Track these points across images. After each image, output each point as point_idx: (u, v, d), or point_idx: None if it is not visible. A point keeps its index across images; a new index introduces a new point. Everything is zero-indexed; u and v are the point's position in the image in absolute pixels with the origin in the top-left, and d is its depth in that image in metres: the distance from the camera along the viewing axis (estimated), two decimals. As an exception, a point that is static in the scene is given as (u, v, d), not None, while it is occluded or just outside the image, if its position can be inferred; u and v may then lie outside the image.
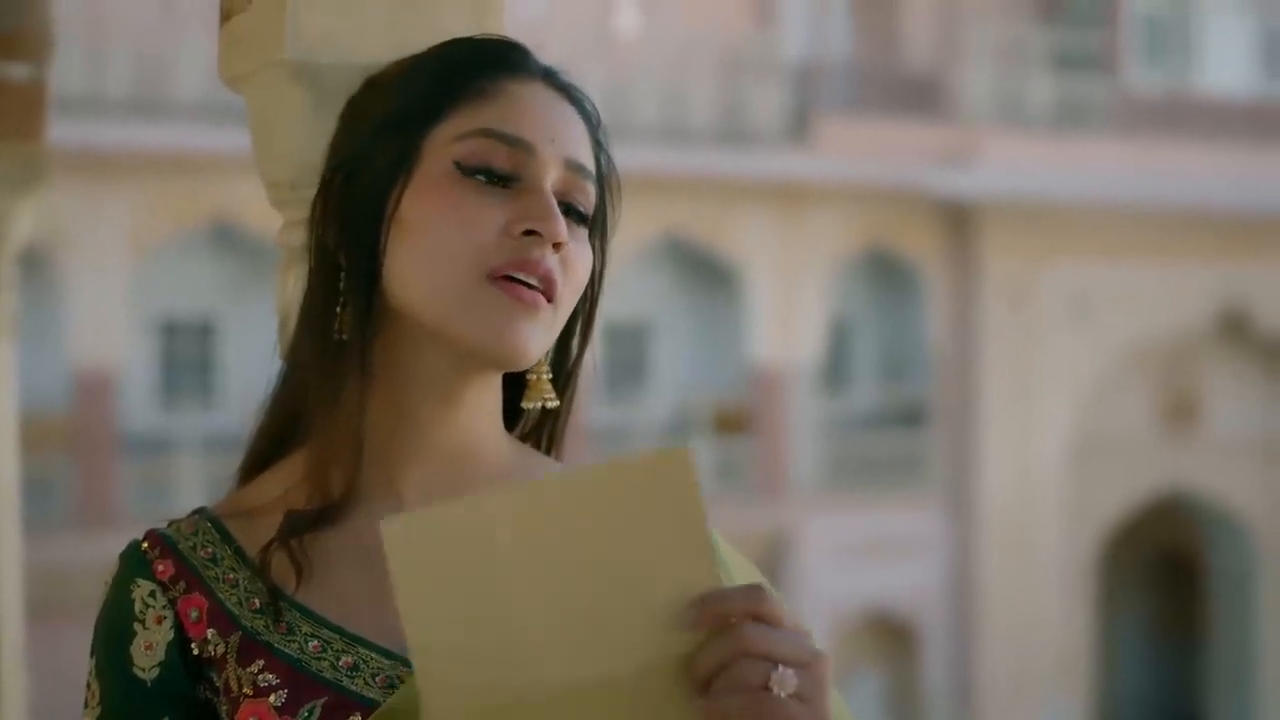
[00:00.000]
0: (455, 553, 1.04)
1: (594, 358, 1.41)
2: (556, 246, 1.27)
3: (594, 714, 1.06)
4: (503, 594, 1.04)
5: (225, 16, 1.68)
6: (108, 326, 16.06)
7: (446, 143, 1.28)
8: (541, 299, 1.26)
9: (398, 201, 1.28)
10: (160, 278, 16.85)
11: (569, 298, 1.30)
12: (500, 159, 1.27)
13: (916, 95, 19.80)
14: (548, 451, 1.41)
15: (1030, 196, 18.65)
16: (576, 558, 1.05)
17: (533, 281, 1.26)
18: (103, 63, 15.87)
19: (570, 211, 1.29)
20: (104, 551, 1.35)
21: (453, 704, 1.04)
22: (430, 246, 1.26)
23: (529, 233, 1.26)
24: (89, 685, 1.29)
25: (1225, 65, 20.94)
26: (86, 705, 1.29)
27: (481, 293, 1.25)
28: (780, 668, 1.06)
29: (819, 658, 1.08)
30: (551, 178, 1.28)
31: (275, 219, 1.65)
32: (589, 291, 1.35)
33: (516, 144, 1.27)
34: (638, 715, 1.07)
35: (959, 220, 19.00)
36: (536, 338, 1.28)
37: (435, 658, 1.04)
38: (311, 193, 1.35)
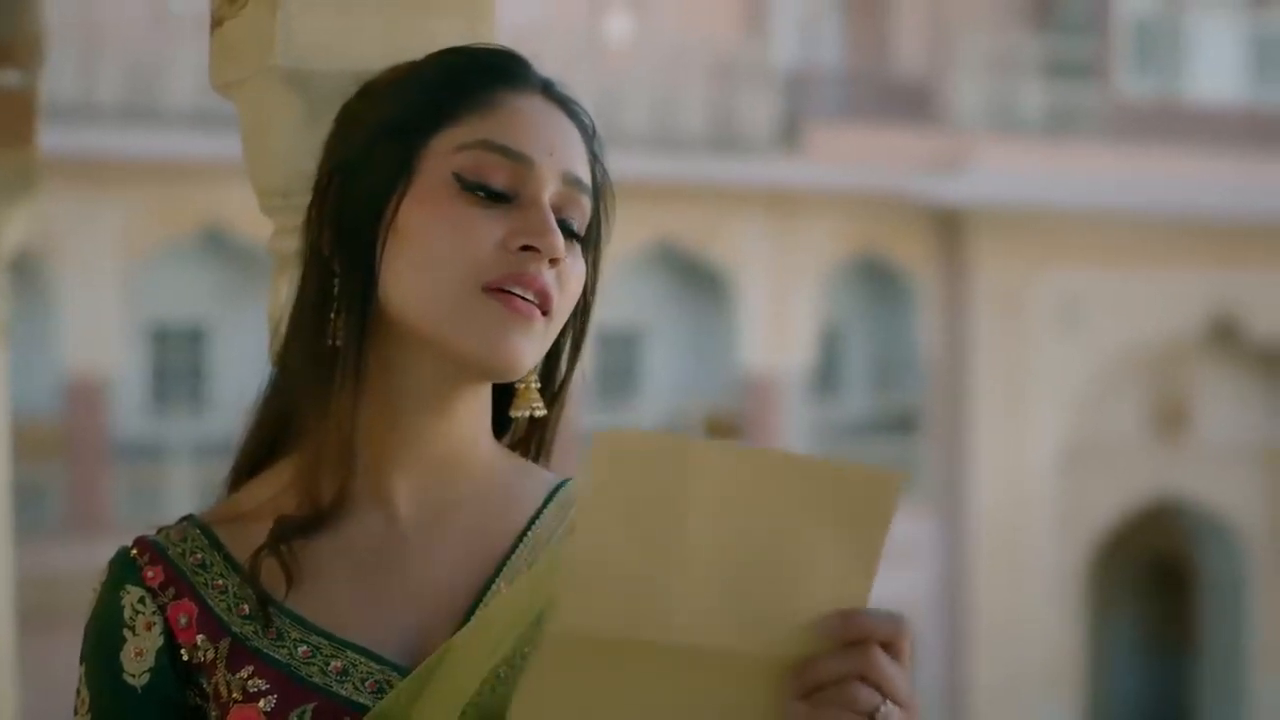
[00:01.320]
0: (651, 481, 1.05)
1: (584, 368, 1.41)
2: (553, 262, 1.27)
3: (700, 681, 1.08)
4: (676, 536, 1.06)
5: (216, 23, 1.68)
6: (99, 333, 16.04)
7: (446, 153, 1.28)
8: (537, 312, 1.27)
9: (395, 209, 1.28)
10: (152, 284, 16.82)
11: (563, 312, 1.30)
12: (500, 172, 1.27)
13: (908, 102, 19.81)
14: (536, 459, 1.42)
15: (1022, 203, 18.66)
16: (753, 531, 1.06)
17: (529, 296, 1.26)
18: (94, 69, 15.85)
19: (565, 226, 1.29)
20: (96, 558, 1.35)
21: (581, 622, 1.05)
22: (428, 257, 1.26)
23: (526, 248, 1.26)
24: (79, 692, 1.29)
25: (1216, 72, 20.96)
26: (76, 712, 1.29)
27: (477, 303, 1.25)
28: (888, 702, 1.08)
29: (917, 705, 1.11)
30: (549, 192, 1.29)
31: (267, 225, 1.65)
32: (581, 304, 1.35)
33: (516, 158, 1.28)
34: (739, 696, 1.09)
35: (950, 227, 19.00)
36: (530, 350, 1.28)
37: (586, 573, 1.05)
38: (303, 200, 1.35)
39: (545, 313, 1.28)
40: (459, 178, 1.27)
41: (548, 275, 1.27)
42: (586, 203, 1.32)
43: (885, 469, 1.08)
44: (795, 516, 1.07)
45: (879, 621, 1.08)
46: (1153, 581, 22.07)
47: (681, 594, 1.06)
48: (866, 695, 1.08)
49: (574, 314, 1.34)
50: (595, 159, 1.34)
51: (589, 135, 1.34)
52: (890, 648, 1.09)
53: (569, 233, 1.30)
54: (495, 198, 1.27)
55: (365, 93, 1.35)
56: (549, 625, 1.06)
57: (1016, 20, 20.52)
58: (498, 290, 1.26)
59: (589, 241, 1.33)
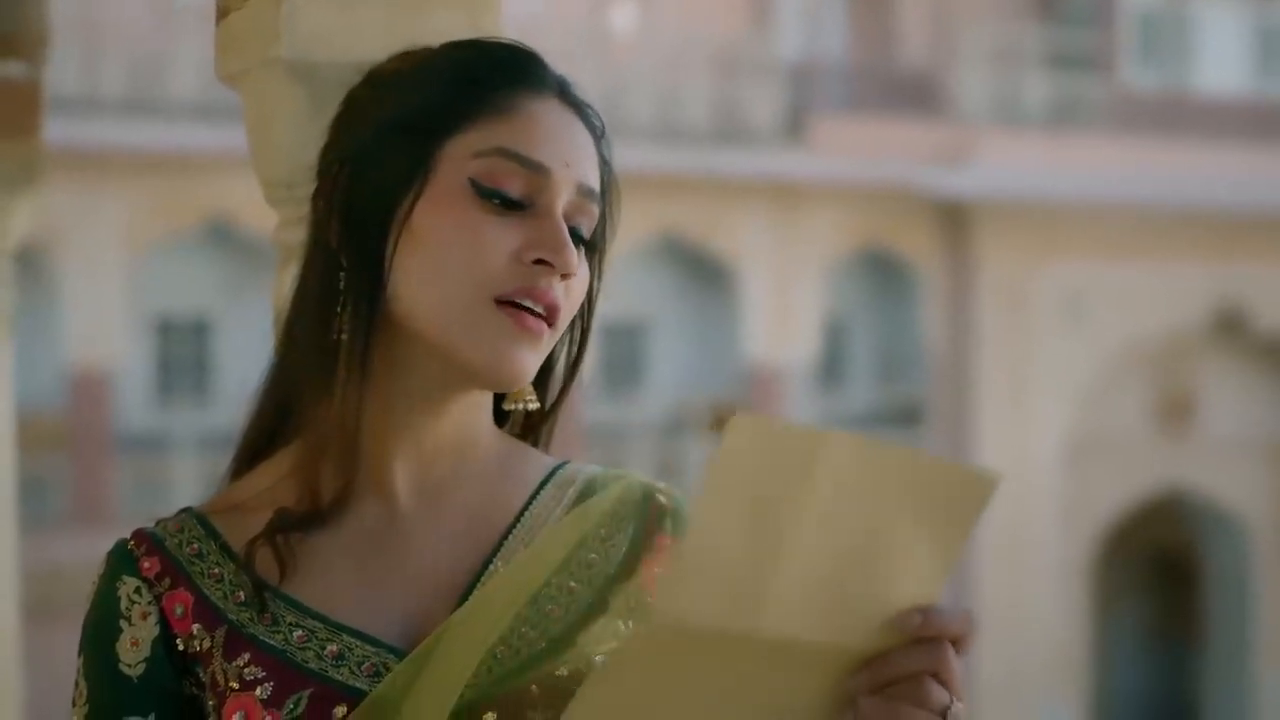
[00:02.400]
0: (777, 471, 1.04)
1: (585, 366, 1.41)
2: (564, 276, 1.27)
3: (774, 673, 1.08)
4: (788, 528, 1.05)
5: (221, 14, 1.68)
6: (103, 325, 16.04)
7: (463, 158, 1.27)
8: (544, 326, 1.27)
9: (409, 210, 1.27)
10: (156, 276, 16.83)
11: (567, 319, 1.31)
12: (516, 182, 1.27)
13: (912, 95, 19.80)
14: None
15: (1026, 196, 18.64)
16: (856, 525, 1.06)
17: (539, 310, 1.26)
18: (98, 61, 15.85)
19: (574, 233, 1.29)
20: (99, 550, 1.36)
21: (678, 610, 1.04)
22: (440, 263, 1.26)
23: (540, 261, 1.26)
24: (77, 684, 1.29)
25: (1221, 64, 20.94)
26: (75, 704, 1.29)
27: (487, 315, 1.25)
28: (956, 701, 1.10)
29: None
30: (562, 202, 1.28)
31: (271, 217, 1.65)
32: (584, 307, 1.35)
33: (533, 167, 1.27)
34: (809, 688, 1.09)
35: (955, 220, 18.99)
36: (535, 362, 1.29)
37: (694, 560, 1.04)
38: (308, 191, 1.34)
39: (551, 325, 1.28)
40: (475, 184, 1.26)
41: (558, 289, 1.27)
42: (596, 211, 1.32)
43: (983, 469, 1.08)
44: (893, 511, 1.07)
45: (955, 620, 1.10)
46: (1157, 575, 22.07)
47: (779, 587, 1.05)
48: (939, 693, 1.09)
49: (577, 315, 1.34)
50: (604, 161, 1.34)
51: (598, 138, 1.34)
52: (959, 646, 1.10)
53: (577, 239, 1.30)
54: (510, 205, 1.27)
55: (374, 82, 1.34)
56: (646, 609, 1.05)
57: (1020, 12, 20.50)
58: (508, 304, 1.26)
59: (594, 245, 1.33)
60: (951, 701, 1.10)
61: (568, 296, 1.29)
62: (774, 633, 1.05)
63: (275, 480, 1.32)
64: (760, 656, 1.07)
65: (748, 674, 1.08)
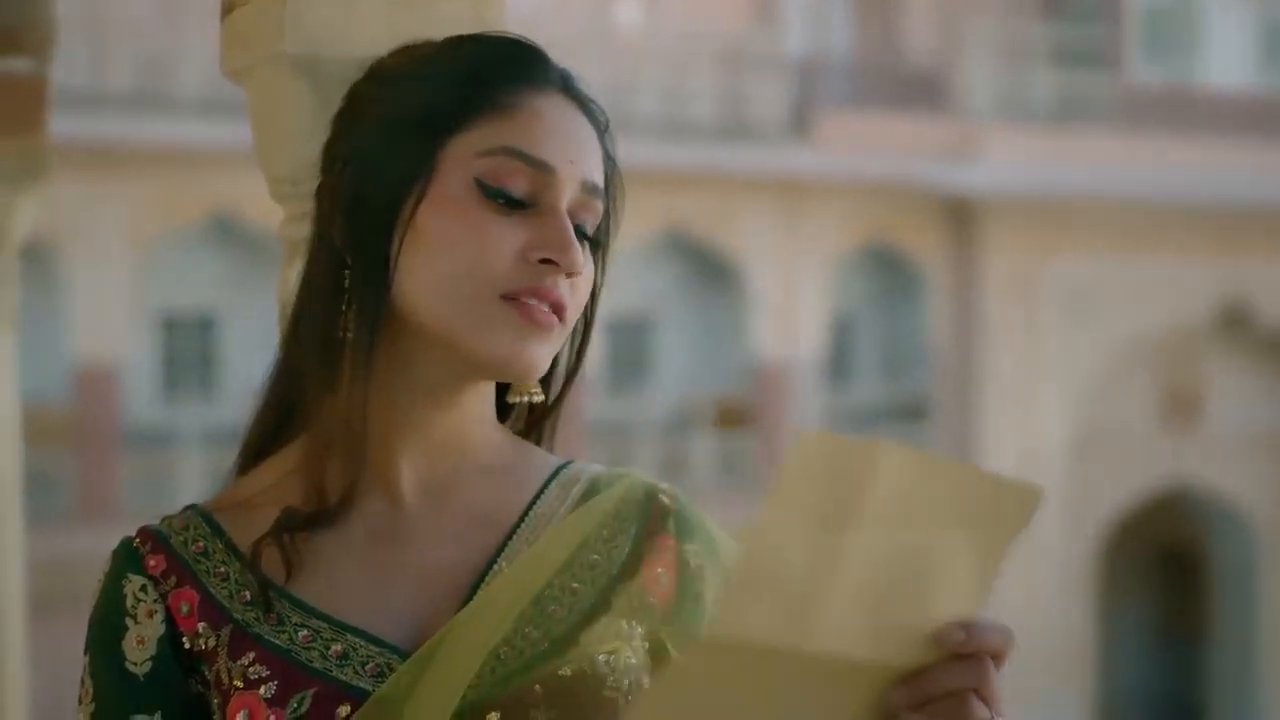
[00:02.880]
0: (835, 486, 1.03)
1: (587, 360, 1.41)
2: (569, 274, 1.27)
3: (819, 689, 1.07)
4: (843, 545, 1.04)
5: (227, 10, 1.68)
6: (109, 321, 16.06)
7: (468, 157, 1.27)
8: (554, 319, 1.27)
9: (414, 210, 1.27)
10: (161, 272, 16.84)
11: (574, 316, 1.31)
12: (521, 181, 1.27)
13: (918, 90, 19.79)
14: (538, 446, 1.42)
15: (1032, 191, 18.64)
16: (905, 539, 1.05)
17: (545, 307, 1.26)
18: (104, 57, 15.86)
19: (578, 230, 1.29)
20: (105, 546, 1.36)
21: (737, 626, 1.04)
22: (446, 264, 1.26)
23: (545, 260, 1.26)
24: (83, 682, 1.29)
25: (1227, 59, 20.92)
26: (81, 702, 1.29)
27: (496, 311, 1.25)
28: (996, 717, 1.10)
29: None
30: (567, 199, 1.28)
31: (276, 213, 1.65)
32: (587, 302, 1.35)
33: (538, 166, 1.27)
34: (851, 705, 1.08)
35: (961, 215, 18.99)
36: (547, 356, 1.29)
37: (755, 577, 1.03)
38: (313, 186, 1.34)
39: (560, 320, 1.28)
40: (480, 183, 1.26)
41: (563, 287, 1.27)
42: (600, 208, 1.31)
43: (1025, 481, 1.07)
44: (940, 525, 1.06)
45: (995, 634, 1.10)
46: (1163, 570, 22.07)
47: (831, 603, 1.04)
48: (981, 709, 1.09)
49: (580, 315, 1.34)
50: (608, 156, 1.34)
51: (602, 133, 1.34)
52: (999, 659, 1.10)
53: (581, 235, 1.30)
54: (514, 204, 1.26)
55: (376, 78, 1.34)
56: (708, 626, 1.05)
57: (1026, 8, 20.48)
58: (515, 300, 1.26)
59: (598, 241, 1.33)
60: (992, 717, 1.09)
61: (573, 294, 1.29)
62: (822, 649, 1.05)
63: (280, 477, 1.32)
64: (808, 673, 1.06)
65: (794, 690, 1.07)
